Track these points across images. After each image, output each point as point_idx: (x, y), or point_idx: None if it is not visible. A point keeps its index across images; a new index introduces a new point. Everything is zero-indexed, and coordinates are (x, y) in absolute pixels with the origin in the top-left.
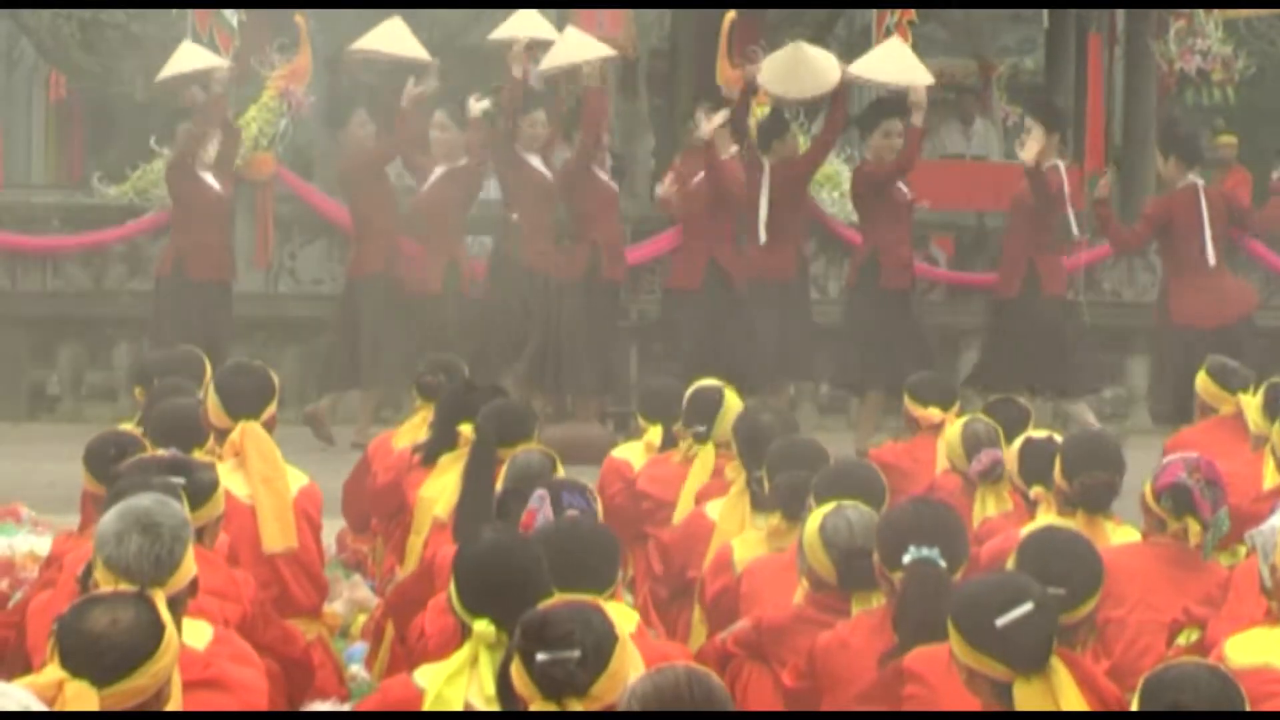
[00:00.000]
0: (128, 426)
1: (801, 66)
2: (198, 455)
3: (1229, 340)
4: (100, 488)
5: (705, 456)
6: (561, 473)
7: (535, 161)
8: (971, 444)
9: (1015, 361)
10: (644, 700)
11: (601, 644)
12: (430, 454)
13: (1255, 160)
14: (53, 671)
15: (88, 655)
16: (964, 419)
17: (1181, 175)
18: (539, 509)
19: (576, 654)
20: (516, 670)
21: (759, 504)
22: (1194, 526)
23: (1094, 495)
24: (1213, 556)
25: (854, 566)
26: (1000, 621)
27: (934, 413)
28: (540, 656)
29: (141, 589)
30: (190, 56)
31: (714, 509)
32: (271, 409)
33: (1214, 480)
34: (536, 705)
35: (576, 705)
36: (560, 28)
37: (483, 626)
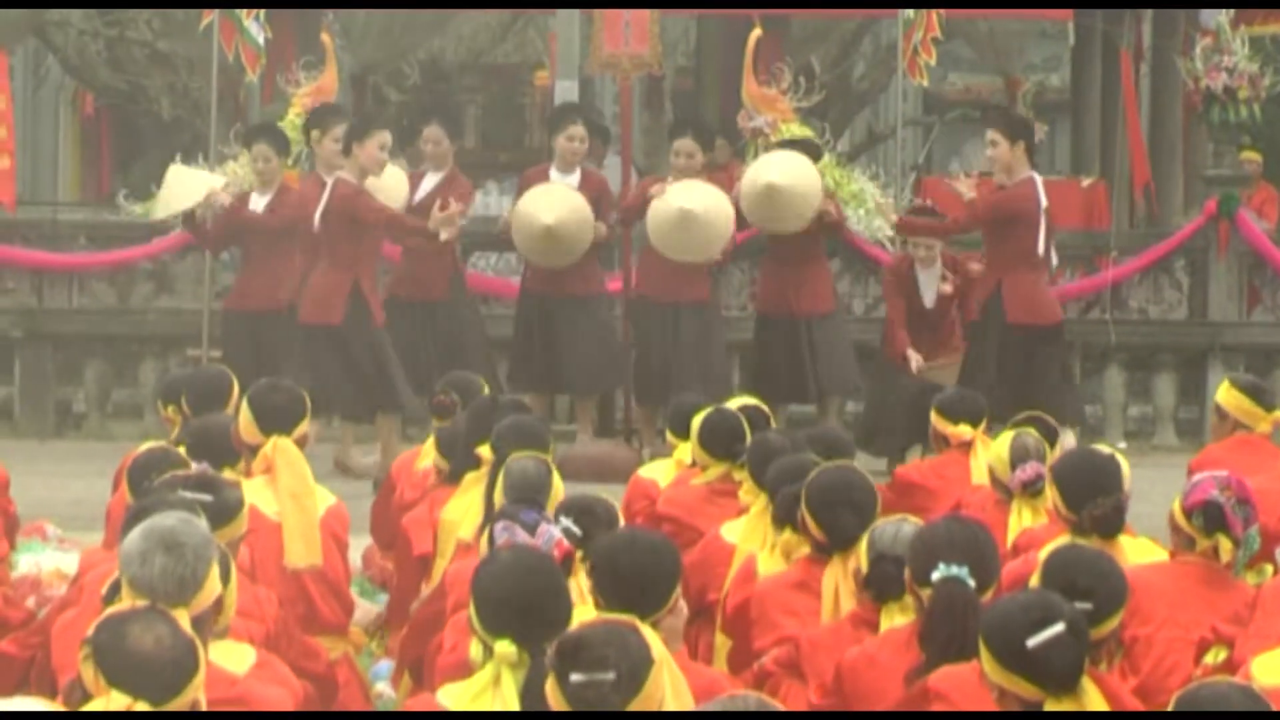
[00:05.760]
0: (154, 442)
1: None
2: (228, 473)
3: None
4: None
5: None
6: (559, 482)
7: None
8: (1019, 454)
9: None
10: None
11: (637, 667)
12: (454, 473)
13: None
14: (118, 698)
15: (140, 675)
16: (1013, 431)
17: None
18: (511, 538)
19: (611, 676)
20: (551, 689)
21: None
22: (1225, 544)
23: (1105, 523)
24: (1240, 575)
25: (879, 570)
26: (1032, 642)
27: (964, 430)
28: (575, 678)
29: (153, 604)
30: (182, 186)
31: (731, 531)
32: (304, 427)
33: (1245, 498)
34: None
35: None
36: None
37: (504, 647)
